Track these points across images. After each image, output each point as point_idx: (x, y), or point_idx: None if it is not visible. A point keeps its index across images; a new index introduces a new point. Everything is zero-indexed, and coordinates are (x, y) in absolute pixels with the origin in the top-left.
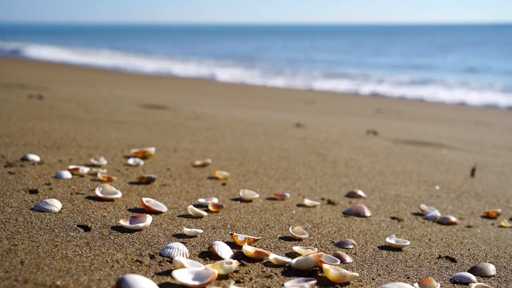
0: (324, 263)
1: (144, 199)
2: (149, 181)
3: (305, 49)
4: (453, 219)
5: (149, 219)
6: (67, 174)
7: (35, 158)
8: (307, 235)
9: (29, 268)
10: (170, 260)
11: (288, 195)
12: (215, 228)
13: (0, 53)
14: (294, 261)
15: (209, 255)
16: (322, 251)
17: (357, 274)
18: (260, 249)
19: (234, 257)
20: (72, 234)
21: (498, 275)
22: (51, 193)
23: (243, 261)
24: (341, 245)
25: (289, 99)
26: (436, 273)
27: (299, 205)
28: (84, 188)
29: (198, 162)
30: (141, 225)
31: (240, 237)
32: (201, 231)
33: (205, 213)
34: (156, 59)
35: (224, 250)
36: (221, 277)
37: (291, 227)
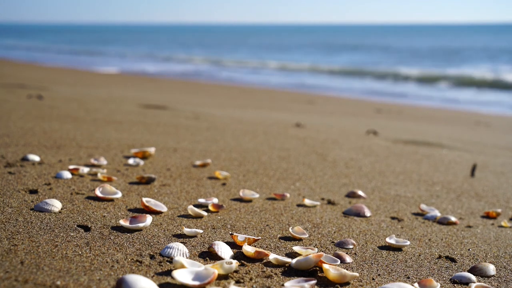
0: (324, 263)
1: (144, 199)
2: (149, 181)
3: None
4: (453, 219)
5: (149, 219)
6: (67, 174)
7: (35, 158)
8: (307, 235)
9: (29, 268)
10: (170, 260)
11: (288, 195)
12: (215, 228)
13: None
14: (294, 261)
15: (209, 255)
16: (322, 251)
17: (357, 274)
18: (260, 249)
19: (234, 257)
20: (72, 234)
21: (498, 275)
22: (51, 193)
23: (243, 261)
24: (341, 245)
25: (289, 99)
26: (436, 273)
27: (299, 205)
28: (84, 188)
29: (198, 162)
30: (141, 225)
31: (240, 237)
32: (201, 231)
33: (205, 213)
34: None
35: (224, 250)
36: (221, 277)
37: (291, 227)
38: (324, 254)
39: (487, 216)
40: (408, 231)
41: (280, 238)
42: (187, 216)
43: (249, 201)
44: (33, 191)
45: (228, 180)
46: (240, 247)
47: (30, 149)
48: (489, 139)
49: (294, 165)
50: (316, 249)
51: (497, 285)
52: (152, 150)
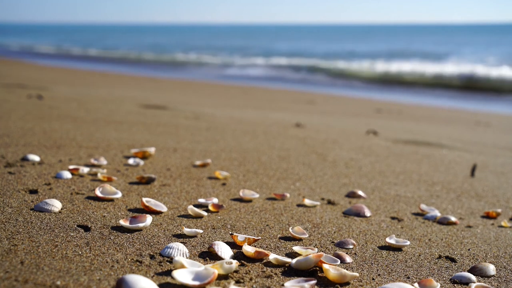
0: (324, 263)
1: (144, 199)
2: (149, 181)
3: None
4: (453, 219)
5: (149, 219)
6: (67, 174)
7: (35, 158)
8: (307, 235)
9: (29, 268)
10: (170, 260)
11: (288, 195)
12: (215, 228)
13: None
14: (294, 261)
15: (209, 255)
16: (322, 251)
17: (357, 274)
18: (260, 249)
19: (234, 257)
20: (72, 234)
21: (498, 275)
22: (51, 193)
23: (243, 261)
24: (341, 245)
25: (289, 99)
26: (436, 273)
27: (299, 205)
28: (84, 188)
29: (198, 162)
30: (141, 225)
31: (240, 237)
32: (201, 231)
33: (205, 213)
34: None
35: (224, 250)
36: (221, 277)
37: (291, 227)
38: (324, 254)
39: (487, 216)
40: (408, 231)
41: (280, 238)
42: (187, 216)
43: (249, 201)
44: (33, 191)
45: (228, 180)
46: (240, 247)
47: (30, 149)
48: (489, 139)
49: (294, 165)
50: (316, 249)
51: (497, 285)
52: (152, 150)
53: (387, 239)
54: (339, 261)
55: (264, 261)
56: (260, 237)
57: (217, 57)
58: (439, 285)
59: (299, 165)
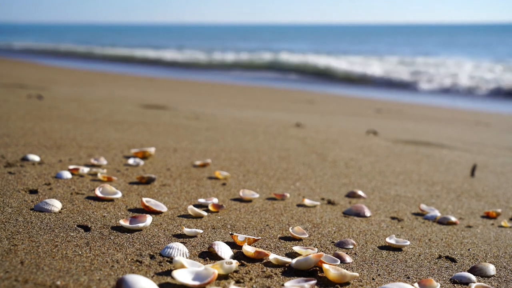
0: (324, 263)
1: (144, 199)
2: (149, 181)
3: None
4: (453, 219)
5: (149, 219)
6: (67, 174)
7: (35, 158)
8: (307, 235)
9: (29, 268)
10: (170, 260)
11: (288, 195)
12: (215, 228)
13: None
14: (294, 261)
15: (209, 255)
16: (322, 251)
17: (357, 274)
18: (260, 249)
19: (234, 257)
20: (72, 234)
21: (498, 275)
22: (51, 193)
23: (243, 261)
24: (341, 245)
25: (289, 99)
26: (436, 273)
27: (299, 205)
28: (84, 188)
29: (198, 162)
30: (141, 225)
31: (240, 237)
32: (201, 231)
33: (205, 213)
34: None
35: (224, 250)
36: (221, 277)
37: (291, 227)
38: (324, 254)
39: (487, 216)
40: (408, 231)
41: (280, 238)
42: (187, 216)
43: (249, 201)
44: (33, 191)
45: (228, 180)
46: (240, 247)
47: (30, 149)
48: (489, 139)
49: (294, 165)
50: (316, 249)
51: (497, 285)
52: (152, 150)
53: (387, 239)
54: (339, 261)
55: (264, 261)
56: (260, 237)
57: (215, 57)
58: (439, 285)
59: (299, 165)
